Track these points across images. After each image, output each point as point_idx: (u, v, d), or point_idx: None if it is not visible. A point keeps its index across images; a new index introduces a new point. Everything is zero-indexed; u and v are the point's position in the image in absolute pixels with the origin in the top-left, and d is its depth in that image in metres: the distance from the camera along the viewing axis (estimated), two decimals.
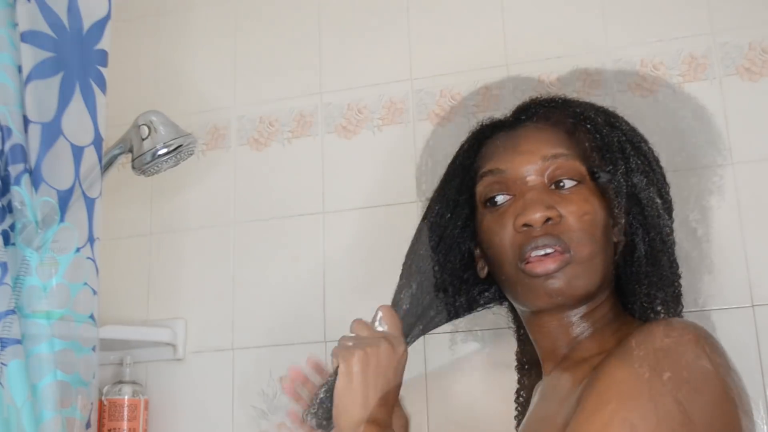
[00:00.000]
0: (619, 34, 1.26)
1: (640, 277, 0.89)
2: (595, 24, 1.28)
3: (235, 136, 1.43)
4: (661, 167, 0.96)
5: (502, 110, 1.03)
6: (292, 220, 1.36)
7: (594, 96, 1.19)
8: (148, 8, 1.54)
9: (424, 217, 1.01)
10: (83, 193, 1.14)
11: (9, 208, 1.11)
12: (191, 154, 1.18)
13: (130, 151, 1.14)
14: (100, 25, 1.22)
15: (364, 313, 1.27)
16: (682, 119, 1.16)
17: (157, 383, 1.35)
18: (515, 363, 1.04)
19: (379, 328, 0.93)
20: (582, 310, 0.89)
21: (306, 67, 1.42)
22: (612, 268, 0.90)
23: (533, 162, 0.90)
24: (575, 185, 0.89)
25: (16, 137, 1.09)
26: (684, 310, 0.92)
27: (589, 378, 0.82)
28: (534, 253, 0.87)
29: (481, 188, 0.94)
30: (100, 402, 1.28)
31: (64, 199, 1.13)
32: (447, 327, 0.99)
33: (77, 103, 1.18)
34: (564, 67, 1.25)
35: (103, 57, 1.22)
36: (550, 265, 0.86)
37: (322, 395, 0.90)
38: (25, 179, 1.10)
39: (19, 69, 1.11)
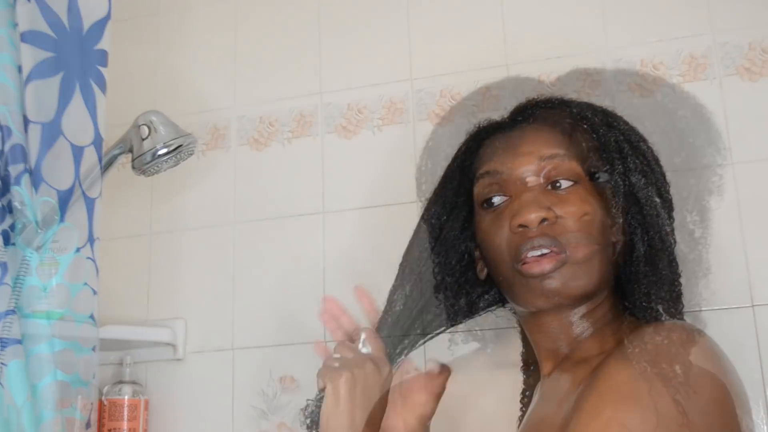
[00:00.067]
0: (619, 34, 1.26)
1: (640, 276, 0.89)
2: (595, 24, 1.28)
3: (235, 136, 1.43)
4: (660, 166, 0.96)
5: (502, 110, 1.03)
6: (292, 220, 1.36)
7: (594, 96, 1.19)
8: (148, 8, 1.54)
9: (422, 219, 1.01)
10: (83, 193, 1.14)
11: (9, 208, 1.11)
12: (191, 154, 1.18)
13: (130, 151, 1.14)
14: (100, 25, 1.22)
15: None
16: (681, 119, 1.16)
17: (157, 383, 1.35)
18: (520, 364, 1.04)
19: (364, 350, 0.94)
20: (581, 310, 0.89)
21: (306, 67, 1.42)
22: (611, 268, 0.90)
23: (529, 163, 0.90)
24: (572, 185, 0.89)
25: (16, 137, 1.09)
26: (684, 309, 0.92)
27: (588, 379, 0.82)
28: (530, 254, 0.87)
29: (478, 190, 0.94)
30: (100, 402, 1.28)
31: (64, 199, 1.13)
32: (443, 325, 0.99)
33: (77, 103, 1.18)
34: (564, 67, 1.25)
35: (103, 57, 1.22)
36: (545, 266, 0.86)
37: (312, 407, 0.91)
38: (25, 179, 1.10)
39: (19, 69, 1.11)
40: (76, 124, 1.16)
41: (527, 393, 1.02)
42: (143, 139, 1.12)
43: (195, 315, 1.37)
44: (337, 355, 0.93)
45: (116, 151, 1.16)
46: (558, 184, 0.89)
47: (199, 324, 1.37)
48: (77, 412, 1.21)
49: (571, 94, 0.99)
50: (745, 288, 1.12)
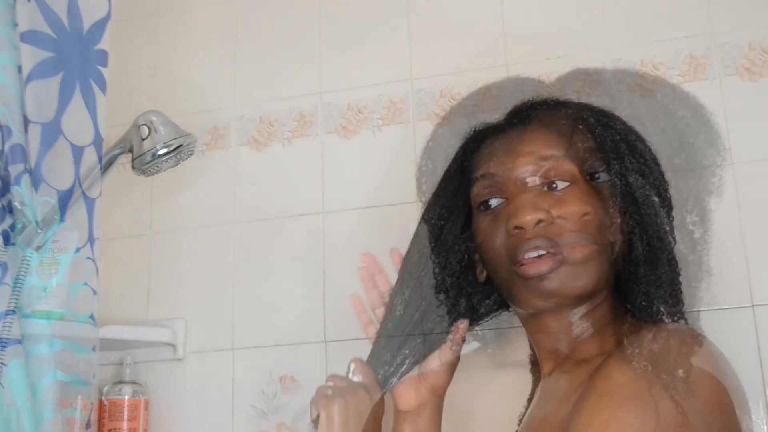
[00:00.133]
0: (619, 34, 1.26)
1: (639, 276, 0.89)
2: (595, 24, 1.28)
3: (235, 136, 1.43)
4: (659, 166, 0.95)
5: (502, 110, 1.03)
6: (292, 220, 1.36)
7: (594, 96, 1.19)
8: (147, 8, 1.54)
9: (423, 220, 1.01)
10: (83, 193, 1.14)
11: (9, 208, 1.11)
12: (191, 154, 1.18)
13: (130, 151, 1.14)
14: (100, 25, 1.22)
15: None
16: (681, 119, 1.16)
17: (157, 383, 1.35)
18: (524, 364, 1.04)
19: (354, 378, 0.95)
20: (581, 310, 0.89)
21: (306, 67, 1.42)
22: (610, 268, 0.90)
23: (526, 164, 0.90)
24: (568, 186, 0.89)
25: (16, 137, 1.09)
26: (684, 310, 0.92)
27: (589, 379, 0.82)
28: (527, 255, 0.87)
29: (475, 192, 0.94)
30: (100, 402, 1.28)
31: (64, 199, 1.13)
32: (446, 328, 0.99)
33: (77, 103, 1.18)
34: (564, 67, 1.25)
35: (103, 57, 1.22)
36: (542, 267, 0.86)
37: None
38: (25, 179, 1.10)
39: (19, 69, 1.11)
40: (76, 124, 1.16)
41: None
42: (143, 139, 1.12)
43: (195, 315, 1.37)
44: (330, 383, 0.94)
45: (116, 151, 1.16)
46: (554, 185, 0.89)
47: (199, 324, 1.37)
48: (77, 412, 1.21)
49: (570, 94, 0.99)
50: (745, 288, 1.12)
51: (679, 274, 0.91)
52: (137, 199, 1.44)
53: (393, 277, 1.01)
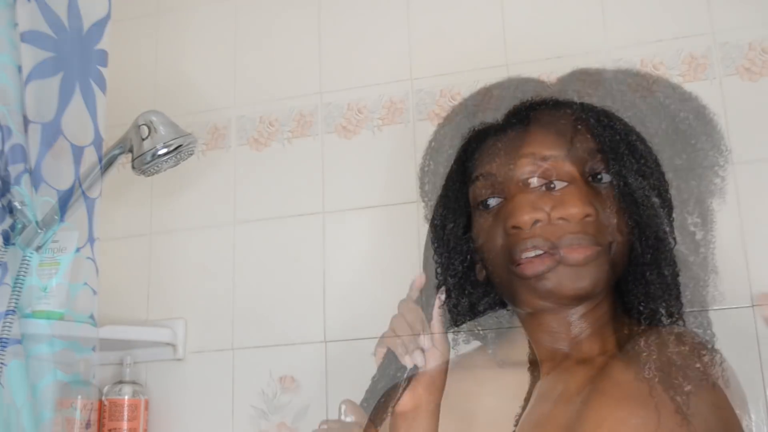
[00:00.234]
0: (619, 34, 1.26)
1: (638, 276, 0.89)
2: (595, 24, 1.28)
3: (235, 136, 1.43)
4: (659, 166, 0.95)
5: (503, 111, 1.03)
6: (292, 220, 1.36)
7: (595, 97, 1.19)
8: (147, 8, 1.54)
9: (427, 220, 1.01)
10: (83, 193, 1.14)
11: (9, 208, 1.11)
12: (191, 154, 1.18)
13: (130, 151, 1.14)
14: (100, 25, 1.22)
15: (364, 313, 1.27)
16: (683, 120, 1.16)
17: (157, 383, 1.35)
18: (526, 364, 1.04)
19: (347, 420, 0.96)
20: (580, 309, 0.89)
21: (306, 67, 1.42)
22: (610, 269, 0.90)
23: (524, 165, 0.90)
24: (566, 186, 0.89)
25: (16, 137, 1.09)
26: (684, 309, 0.92)
27: (595, 381, 0.82)
28: (524, 255, 0.87)
29: (474, 192, 0.94)
30: (100, 402, 1.28)
31: (64, 199, 1.13)
32: (448, 325, 0.99)
33: (77, 103, 1.18)
34: (564, 67, 1.25)
35: (103, 57, 1.22)
36: (539, 267, 0.86)
37: None
38: (25, 179, 1.10)
39: (19, 69, 1.11)
40: (76, 124, 1.16)
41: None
42: (143, 139, 1.12)
43: (195, 315, 1.37)
44: (324, 427, 0.95)
45: (116, 151, 1.16)
46: (552, 185, 0.89)
47: (199, 324, 1.37)
48: (77, 412, 1.21)
49: (571, 94, 0.99)
50: (745, 288, 1.12)
51: (678, 274, 0.91)
52: (137, 199, 1.44)
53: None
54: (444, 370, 0.94)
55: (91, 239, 1.23)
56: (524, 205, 0.88)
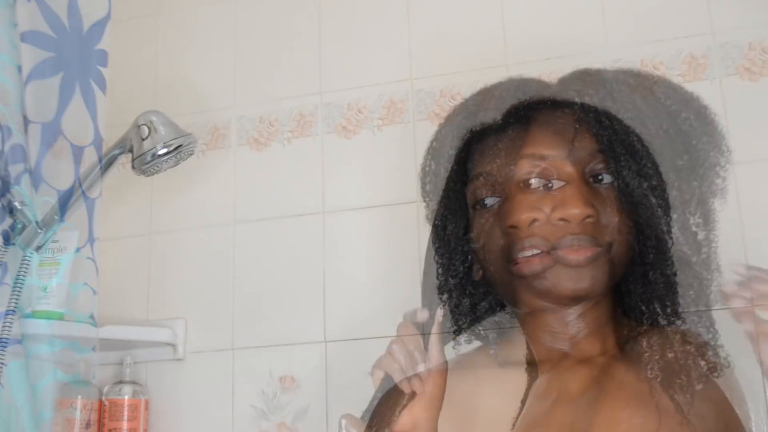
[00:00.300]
0: (619, 34, 1.26)
1: (638, 276, 0.89)
2: (595, 24, 1.28)
3: (235, 136, 1.43)
4: (656, 165, 0.95)
5: (503, 111, 1.03)
6: (292, 220, 1.36)
7: (596, 97, 1.19)
8: (148, 8, 1.54)
9: (428, 220, 1.01)
10: (83, 193, 1.14)
11: (9, 208, 1.11)
12: (191, 154, 1.18)
13: (130, 151, 1.14)
14: (100, 25, 1.22)
15: (364, 313, 1.27)
16: (684, 121, 1.16)
17: (157, 383, 1.35)
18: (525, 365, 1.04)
19: None
20: (578, 309, 0.89)
21: (306, 67, 1.42)
22: (609, 268, 0.90)
23: (523, 165, 0.90)
24: (566, 187, 0.89)
25: (16, 137, 1.09)
26: (683, 309, 0.92)
27: (597, 382, 0.82)
28: (521, 255, 0.87)
29: (471, 191, 0.94)
30: (100, 402, 1.28)
31: (64, 199, 1.13)
32: (449, 327, 0.99)
33: (77, 103, 1.18)
34: (564, 67, 1.25)
35: (103, 57, 1.23)
36: (536, 266, 0.86)
37: None
38: (25, 179, 1.10)
39: (19, 69, 1.12)
40: (76, 124, 1.17)
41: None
42: (143, 139, 1.12)
43: (195, 315, 1.37)
44: None
45: (116, 151, 1.16)
46: (549, 185, 0.89)
47: (199, 324, 1.37)
48: (77, 412, 1.21)
49: (573, 95, 0.99)
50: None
51: (675, 274, 0.91)
52: (137, 199, 1.44)
53: None
54: (442, 389, 0.94)
55: (91, 239, 1.23)
56: (522, 205, 0.88)
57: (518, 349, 0.94)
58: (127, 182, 1.36)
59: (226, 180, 1.41)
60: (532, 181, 0.89)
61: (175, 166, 1.17)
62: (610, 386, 0.84)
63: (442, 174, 1.02)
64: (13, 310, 1.07)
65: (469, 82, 1.30)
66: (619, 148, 0.90)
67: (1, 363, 1.03)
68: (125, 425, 1.28)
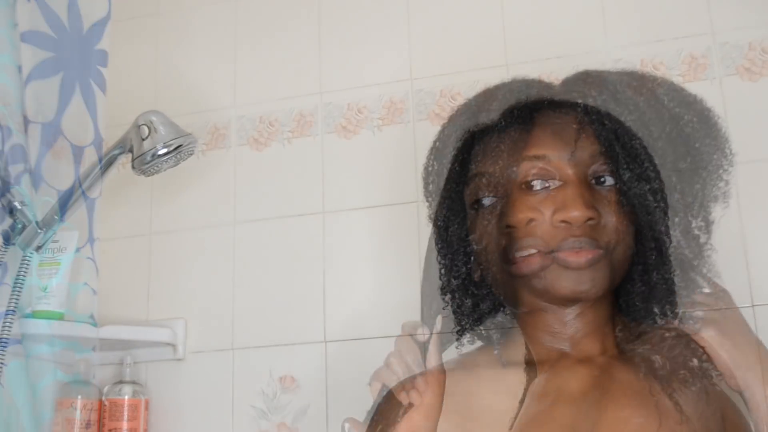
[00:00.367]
0: (619, 34, 1.26)
1: (638, 278, 0.89)
2: (595, 24, 1.28)
3: (235, 136, 1.43)
4: (655, 165, 0.95)
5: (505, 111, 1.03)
6: (292, 220, 1.36)
7: (599, 99, 1.19)
8: (148, 8, 1.53)
9: (430, 220, 1.01)
10: (83, 193, 1.14)
11: (9, 208, 1.11)
12: (191, 154, 1.18)
13: (130, 151, 1.14)
14: (100, 25, 1.22)
15: (364, 313, 1.27)
16: (687, 123, 1.16)
17: (157, 383, 1.35)
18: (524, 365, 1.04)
19: None
20: (577, 309, 0.89)
21: (306, 67, 1.42)
22: (610, 271, 0.90)
23: (525, 166, 0.90)
24: (565, 188, 0.89)
25: (16, 137, 1.09)
26: (683, 309, 0.92)
27: (601, 383, 0.82)
28: (518, 254, 0.87)
29: (469, 191, 0.94)
30: (100, 402, 1.28)
31: (64, 199, 1.13)
32: (452, 326, 0.99)
33: (77, 103, 1.18)
34: (564, 67, 1.25)
35: (103, 57, 1.23)
36: (533, 266, 0.87)
37: None
38: (25, 179, 1.10)
39: (19, 69, 1.12)
40: (76, 124, 1.17)
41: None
42: (143, 139, 1.12)
43: (195, 315, 1.37)
44: None
45: (116, 151, 1.16)
46: (547, 185, 0.89)
47: (199, 324, 1.37)
48: (77, 412, 1.21)
49: (576, 96, 0.99)
50: (745, 288, 1.12)
51: (673, 274, 0.91)
52: (137, 199, 1.44)
53: None
54: (440, 398, 0.94)
55: (91, 239, 1.23)
56: (521, 205, 0.88)
57: (521, 349, 0.94)
58: (127, 182, 1.36)
59: (226, 180, 1.41)
60: (534, 182, 0.89)
61: (175, 166, 1.17)
62: (611, 386, 0.84)
63: (444, 174, 1.02)
64: (13, 310, 1.07)
65: (469, 82, 1.30)
66: (621, 150, 0.89)
67: (1, 363, 1.03)
68: (125, 425, 1.28)
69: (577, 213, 0.86)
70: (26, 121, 1.12)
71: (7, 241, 1.12)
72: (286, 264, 1.35)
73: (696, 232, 0.91)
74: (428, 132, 1.29)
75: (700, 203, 0.92)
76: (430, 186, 1.02)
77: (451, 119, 1.02)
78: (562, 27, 1.30)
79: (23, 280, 1.11)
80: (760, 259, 1.13)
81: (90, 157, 1.20)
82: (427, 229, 1.02)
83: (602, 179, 0.90)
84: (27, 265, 1.12)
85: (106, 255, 1.40)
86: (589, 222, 0.87)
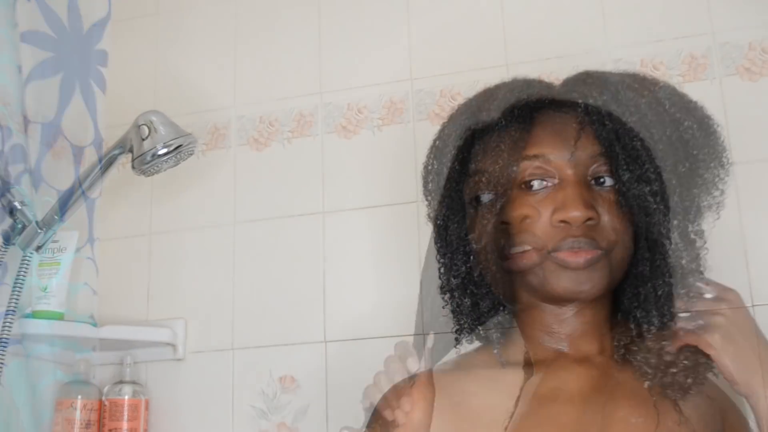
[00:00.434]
0: (619, 34, 1.26)
1: (637, 278, 0.89)
2: (595, 24, 1.28)
3: (235, 136, 1.43)
4: (656, 167, 0.95)
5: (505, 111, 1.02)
6: (292, 220, 1.36)
7: (600, 100, 1.18)
8: (148, 8, 1.53)
9: (429, 219, 1.01)
10: (83, 193, 1.14)
11: (9, 208, 1.11)
12: (191, 154, 1.18)
13: (130, 151, 1.14)
14: (100, 25, 1.22)
15: (364, 313, 1.27)
16: (687, 130, 1.15)
17: (157, 383, 1.35)
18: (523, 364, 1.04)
19: None
20: (575, 307, 0.89)
21: (306, 67, 1.42)
22: (609, 271, 0.90)
23: (525, 166, 0.90)
24: (564, 188, 0.89)
25: (16, 137, 1.10)
26: (686, 313, 0.92)
27: (604, 384, 0.82)
28: (512, 250, 0.88)
29: (469, 189, 0.94)
30: (101, 402, 1.28)
31: (64, 199, 1.13)
32: (450, 326, 0.99)
33: (77, 103, 1.18)
34: (564, 67, 1.25)
35: (103, 57, 1.23)
36: (526, 263, 0.87)
37: None
38: (25, 179, 1.10)
39: (19, 69, 1.12)
40: (76, 124, 1.17)
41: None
42: (143, 139, 1.12)
43: (195, 315, 1.37)
44: None
45: (116, 151, 1.16)
46: (551, 187, 0.89)
47: (199, 324, 1.37)
48: (77, 412, 1.21)
49: (577, 96, 0.98)
50: (745, 288, 1.12)
51: (671, 275, 0.90)
52: (137, 199, 1.44)
53: None
54: (429, 415, 0.94)
55: (91, 239, 1.23)
56: (517, 203, 0.88)
57: (520, 349, 0.94)
58: (127, 182, 1.36)
59: (226, 180, 1.41)
60: (533, 182, 0.89)
61: (175, 166, 1.17)
62: (609, 386, 0.84)
63: (444, 173, 1.02)
64: (13, 310, 1.07)
65: (469, 82, 1.30)
66: (621, 151, 0.89)
67: (1, 363, 1.03)
68: (125, 425, 1.28)
69: (576, 213, 0.86)
70: (26, 121, 1.12)
71: (7, 241, 1.12)
72: (286, 264, 1.35)
73: (692, 236, 0.91)
74: (428, 132, 1.28)
75: (697, 208, 0.92)
76: (430, 185, 1.02)
77: (452, 118, 1.02)
78: (562, 27, 1.30)
79: (23, 280, 1.11)
80: (760, 259, 1.13)
81: (90, 157, 1.20)
82: (427, 229, 1.02)
83: (602, 180, 0.90)
84: (27, 265, 1.12)
85: (106, 255, 1.40)
86: (589, 222, 0.87)
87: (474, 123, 0.97)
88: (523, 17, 1.32)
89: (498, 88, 0.99)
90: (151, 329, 1.35)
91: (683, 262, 0.90)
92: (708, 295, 0.87)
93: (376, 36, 1.39)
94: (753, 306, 1.12)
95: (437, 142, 1.02)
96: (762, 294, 1.12)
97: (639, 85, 0.96)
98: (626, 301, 0.90)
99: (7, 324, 1.05)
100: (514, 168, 0.90)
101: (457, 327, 0.96)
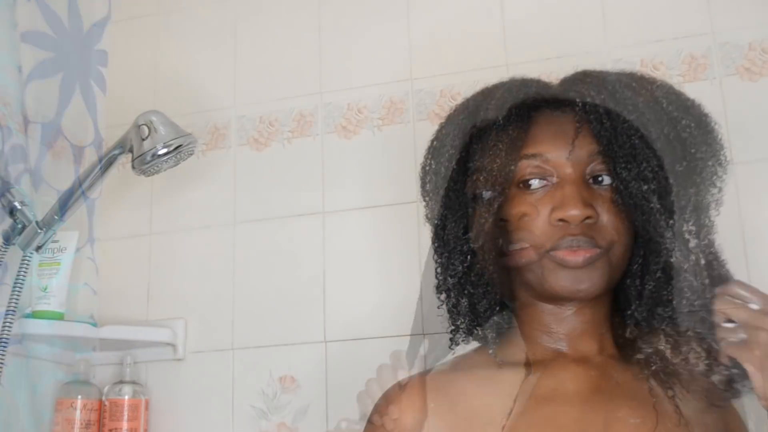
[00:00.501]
0: (619, 34, 1.26)
1: (636, 278, 0.89)
2: (595, 24, 1.28)
3: (235, 136, 1.43)
4: (662, 169, 0.95)
5: (505, 110, 1.02)
6: (292, 220, 1.36)
7: (598, 99, 1.18)
8: (147, 8, 1.53)
9: (426, 219, 1.01)
10: (83, 193, 1.14)
11: (9, 208, 1.11)
12: (191, 154, 1.18)
13: (130, 151, 1.14)
14: (100, 25, 1.22)
15: (364, 313, 1.27)
16: (685, 128, 1.16)
17: (157, 383, 1.35)
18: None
19: None
20: (574, 306, 0.89)
21: (306, 67, 1.42)
22: (608, 270, 0.90)
23: (520, 164, 0.90)
24: (563, 186, 0.89)
25: (16, 137, 1.09)
26: (679, 311, 0.92)
27: (595, 380, 0.82)
28: (510, 247, 0.88)
29: (467, 187, 0.94)
30: (101, 402, 1.28)
31: (64, 199, 1.13)
32: (448, 326, 0.99)
33: (77, 103, 1.18)
34: (564, 67, 1.25)
35: (103, 57, 1.23)
36: (523, 260, 0.87)
37: None
38: (25, 179, 1.10)
39: (19, 69, 1.12)
40: (76, 124, 1.17)
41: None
42: (143, 139, 1.12)
43: (195, 315, 1.37)
44: None
45: (116, 151, 1.16)
46: (549, 185, 0.89)
47: (199, 324, 1.37)
48: (77, 412, 1.21)
49: (574, 95, 0.99)
50: None
51: (670, 275, 0.90)
52: (137, 199, 1.44)
53: None
54: (420, 422, 0.94)
55: (91, 239, 1.23)
56: (515, 201, 0.88)
57: (517, 349, 0.94)
58: (127, 182, 1.36)
59: (226, 180, 1.41)
60: (532, 181, 0.89)
61: (175, 166, 1.17)
62: (608, 386, 0.84)
63: (442, 173, 1.02)
64: (13, 310, 1.07)
65: (469, 82, 1.29)
66: (619, 149, 0.89)
67: (1, 363, 1.03)
68: (125, 425, 1.28)
69: (575, 212, 0.86)
70: (26, 121, 1.12)
71: (7, 241, 1.12)
72: (286, 264, 1.35)
73: (686, 236, 0.91)
74: (428, 132, 1.28)
75: (693, 207, 0.92)
76: (428, 185, 1.02)
77: (449, 118, 1.02)
78: (562, 27, 1.30)
79: (23, 280, 1.11)
80: (760, 259, 1.13)
81: (90, 157, 1.20)
82: (427, 229, 1.02)
83: (600, 178, 0.90)
84: (27, 265, 1.12)
85: (106, 255, 1.40)
86: (587, 221, 0.87)
87: (472, 122, 0.97)
88: (523, 17, 1.32)
89: (496, 87, 0.99)
90: (151, 329, 1.35)
91: (677, 261, 0.90)
92: (754, 306, 0.86)
93: (375, 36, 1.39)
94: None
95: (435, 143, 1.02)
96: None
97: (637, 83, 0.96)
98: (627, 299, 0.90)
99: (7, 324, 1.05)
100: (513, 167, 0.90)
101: (453, 327, 0.96)
